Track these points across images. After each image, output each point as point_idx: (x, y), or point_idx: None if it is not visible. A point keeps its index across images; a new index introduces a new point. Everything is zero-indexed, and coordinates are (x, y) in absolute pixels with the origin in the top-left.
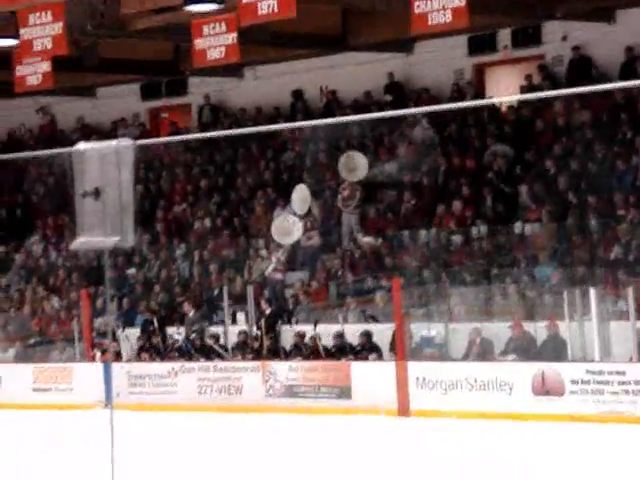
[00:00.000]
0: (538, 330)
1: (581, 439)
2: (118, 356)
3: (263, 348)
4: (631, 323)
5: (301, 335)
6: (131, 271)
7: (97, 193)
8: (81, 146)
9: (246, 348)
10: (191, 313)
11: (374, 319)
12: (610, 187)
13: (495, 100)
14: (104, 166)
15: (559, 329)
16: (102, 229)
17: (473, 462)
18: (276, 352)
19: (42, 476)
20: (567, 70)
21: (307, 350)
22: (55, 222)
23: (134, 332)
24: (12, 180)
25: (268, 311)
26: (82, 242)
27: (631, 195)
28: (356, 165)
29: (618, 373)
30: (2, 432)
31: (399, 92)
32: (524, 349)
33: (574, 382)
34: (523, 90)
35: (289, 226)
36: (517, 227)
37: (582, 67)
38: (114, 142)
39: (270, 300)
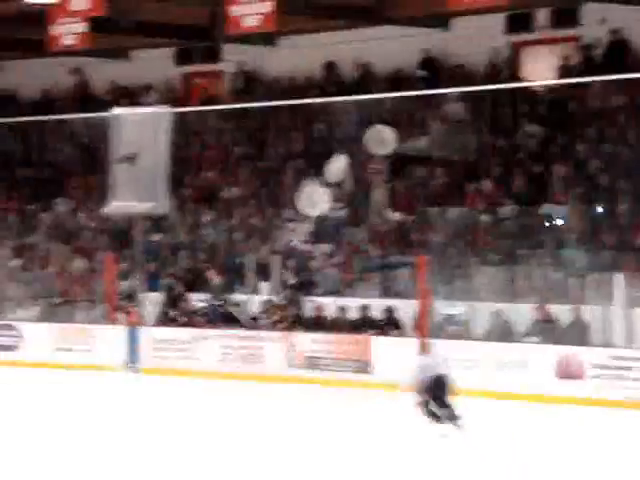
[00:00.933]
0: (562, 313)
1: (601, 423)
2: (142, 321)
3: (286, 318)
4: None
5: (322, 308)
6: (157, 236)
7: (133, 158)
8: (118, 111)
9: (269, 317)
10: (216, 280)
11: (402, 295)
12: None
13: (531, 84)
14: (141, 132)
15: (583, 313)
16: (136, 194)
17: (492, 442)
18: (299, 323)
19: (64, 435)
20: (604, 53)
21: (330, 322)
22: (84, 184)
23: (158, 297)
24: (43, 139)
25: (292, 281)
26: (116, 206)
27: None
28: (384, 139)
29: None
30: (26, 390)
31: (434, 68)
32: (547, 331)
33: (596, 366)
34: (559, 71)
35: (317, 197)
36: (545, 209)
37: (619, 50)
38: (151, 108)
39: (294, 271)
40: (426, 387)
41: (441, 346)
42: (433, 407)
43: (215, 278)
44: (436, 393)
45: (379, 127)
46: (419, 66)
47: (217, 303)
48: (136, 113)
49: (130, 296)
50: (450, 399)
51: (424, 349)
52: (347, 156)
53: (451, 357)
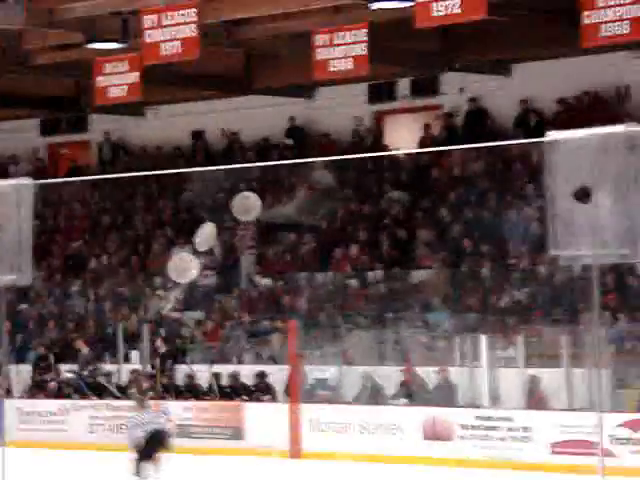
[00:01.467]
0: (430, 375)
1: None
2: (8, 393)
3: (156, 387)
4: (520, 370)
5: (193, 375)
6: (24, 307)
7: None
8: None
9: (138, 387)
10: (84, 350)
11: (274, 360)
12: (502, 236)
13: (395, 153)
14: (3, 205)
15: (450, 374)
16: None
17: None
18: (169, 391)
19: None
20: (464, 121)
21: (201, 389)
22: None
23: (26, 368)
24: None
25: (163, 350)
26: None
27: (523, 244)
28: (249, 205)
29: (506, 419)
30: None
31: (300, 136)
32: (415, 393)
33: (464, 427)
34: (422, 138)
35: (186, 265)
36: (412, 273)
37: (478, 118)
38: (13, 181)
39: (166, 339)
40: (140, 443)
41: (312, 410)
42: (141, 463)
43: (84, 348)
44: (147, 449)
45: (244, 194)
46: (286, 134)
47: (85, 373)
48: None
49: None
50: (157, 455)
51: (142, 406)
52: (215, 223)
53: (322, 421)
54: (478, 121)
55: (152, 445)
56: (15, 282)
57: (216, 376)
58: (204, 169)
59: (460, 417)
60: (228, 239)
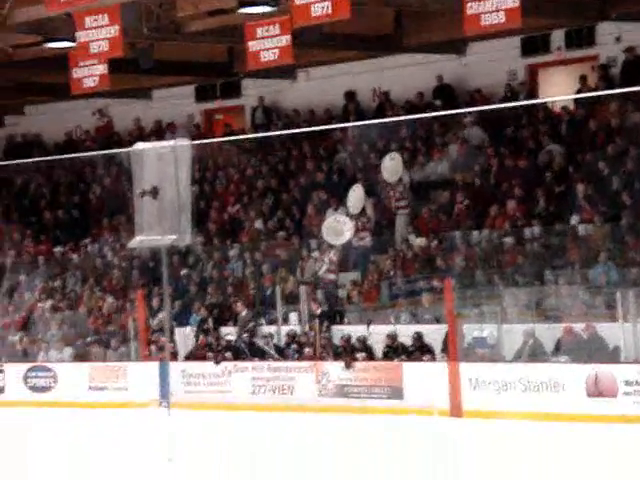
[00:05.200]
0: (590, 331)
1: (634, 440)
2: (174, 356)
3: (316, 348)
4: None
5: (349, 338)
6: (185, 271)
7: (155, 192)
8: (139, 146)
9: (299, 348)
10: (244, 313)
11: (437, 321)
12: None
13: (550, 99)
14: (162, 165)
15: (596, 330)
16: (160, 228)
17: (526, 463)
18: (328, 352)
19: (99, 474)
20: (621, 71)
21: (358, 351)
22: (111, 223)
23: (188, 331)
24: (69, 181)
25: (319, 311)
26: (140, 240)
27: None
28: (395, 167)
29: None
30: (60, 430)
31: (450, 94)
32: (577, 350)
33: (628, 383)
34: (577, 92)
35: (340, 227)
36: (571, 227)
37: (636, 68)
38: (172, 142)
39: (321, 300)
40: None
41: (471, 369)
42: None
43: (243, 310)
44: None
45: (391, 155)
46: (434, 94)
47: (245, 335)
48: (157, 147)
49: (161, 331)
50: None
51: None
52: (364, 186)
53: (482, 379)
54: (636, 71)
55: None
56: (176, 242)
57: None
58: (356, 124)
59: (623, 374)
60: (382, 199)
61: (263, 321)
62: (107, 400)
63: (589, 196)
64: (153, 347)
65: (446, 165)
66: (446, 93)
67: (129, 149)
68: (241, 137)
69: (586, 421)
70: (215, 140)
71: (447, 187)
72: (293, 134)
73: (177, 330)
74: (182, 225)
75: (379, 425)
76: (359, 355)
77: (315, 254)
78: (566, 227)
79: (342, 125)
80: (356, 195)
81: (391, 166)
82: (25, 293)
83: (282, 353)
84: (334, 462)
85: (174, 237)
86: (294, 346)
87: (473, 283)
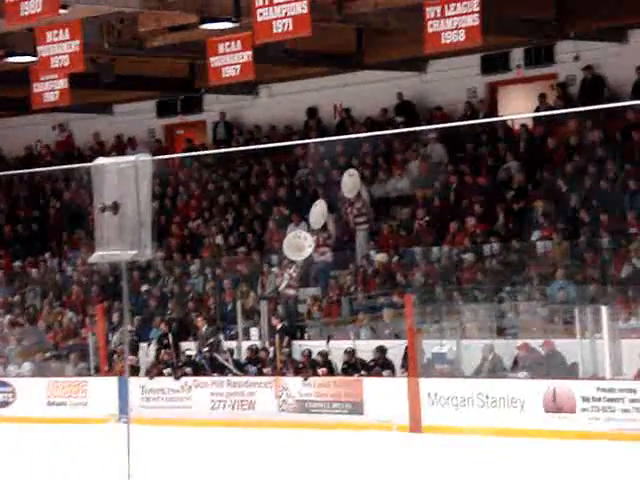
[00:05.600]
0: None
1: (592, 456)
2: (136, 371)
3: (276, 363)
4: None
5: (309, 353)
6: (145, 287)
7: (116, 207)
8: (100, 160)
9: (258, 363)
10: (204, 328)
11: (397, 337)
12: (622, 205)
13: (509, 117)
14: (123, 180)
15: (554, 346)
16: (120, 243)
17: (485, 478)
18: (288, 368)
19: None
20: (580, 89)
21: (319, 366)
22: (71, 238)
23: (149, 346)
24: (29, 195)
25: (279, 326)
26: (100, 255)
27: None
28: (354, 183)
29: (629, 390)
30: (17, 446)
31: (411, 111)
32: (535, 366)
33: (585, 399)
34: (537, 109)
35: (301, 242)
36: (529, 244)
37: (595, 87)
38: (133, 157)
39: (282, 316)
40: None
41: (431, 384)
42: None
43: (203, 326)
44: None
45: (349, 171)
46: (396, 111)
47: (205, 350)
48: (117, 162)
49: (121, 347)
50: None
51: None
52: (326, 201)
53: (441, 395)
54: (594, 90)
55: None
56: (136, 257)
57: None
58: (317, 140)
59: (581, 389)
60: (343, 216)
61: (222, 337)
62: (66, 416)
63: (548, 213)
64: (113, 363)
65: (407, 181)
66: (407, 110)
67: (90, 164)
68: (202, 152)
69: (544, 437)
70: (176, 155)
71: (408, 203)
72: (254, 150)
73: (138, 345)
74: (143, 240)
75: (339, 440)
76: (320, 370)
77: (275, 269)
78: (525, 244)
79: (304, 141)
80: (318, 210)
81: (349, 182)
82: None
83: (242, 368)
84: (294, 477)
85: (134, 252)
86: (254, 361)
87: (433, 299)
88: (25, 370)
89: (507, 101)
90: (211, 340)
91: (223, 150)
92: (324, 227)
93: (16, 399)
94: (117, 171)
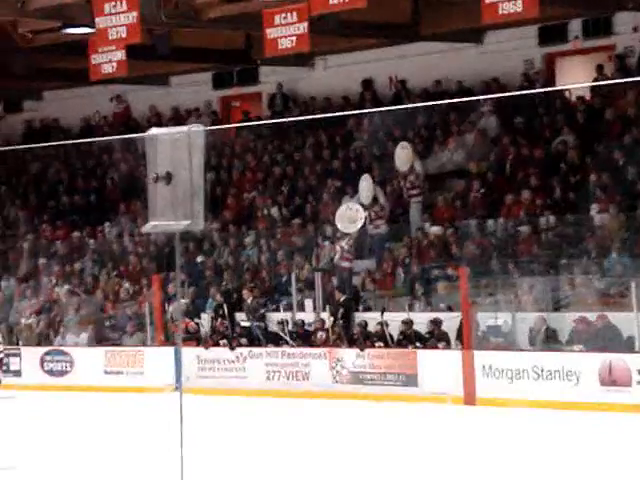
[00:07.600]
0: (604, 320)
1: None
2: (198, 340)
3: (334, 335)
4: None
5: (365, 324)
6: (200, 258)
7: (168, 177)
8: (153, 131)
9: (313, 335)
10: (249, 300)
11: (450, 309)
12: None
13: (566, 87)
14: (176, 151)
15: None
16: (173, 213)
17: (538, 451)
18: (344, 339)
19: (113, 458)
20: (638, 61)
21: (374, 338)
22: (128, 208)
23: (204, 317)
24: (87, 166)
25: (342, 299)
26: (153, 225)
27: None
28: (406, 156)
29: None
30: (75, 414)
31: (468, 82)
32: (591, 340)
33: None
34: (594, 81)
35: (352, 214)
36: (586, 217)
37: None
38: (185, 127)
39: (342, 288)
40: None
41: (485, 357)
42: None
43: (256, 297)
44: None
45: (402, 144)
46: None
47: (256, 323)
48: (170, 133)
49: (185, 316)
50: None
51: None
52: (380, 173)
53: (496, 367)
54: None
55: None
56: (189, 228)
57: (384, 324)
58: (372, 110)
59: (637, 363)
60: (396, 188)
61: (273, 307)
62: (123, 384)
63: (604, 186)
64: (170, 332)
65: (462, 154)
66: (462, 82)
67: (143, 134)
68: (255, 123)
69: (599, 410)
70: (229, 126)
71: (462, 176)
72: (309, 121)
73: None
74: (195, 210)
75: (393, 412)
76: (376, 343)
77: (330, 241)
78: (581, 217)
79: (358, 112)
80: (365, 185)
81: (402, 155)
82: (42, 277)
83: (297, 339)
84: (348, 448)
85: (187, 222)
86: (309, 333)
87: (488, 272)
88: (83, 339)
89: (564, 73)
90: (260, 312)
91: (277, 120)
92: (374, 200)
93: (74, 368)
94: (170, 141)
